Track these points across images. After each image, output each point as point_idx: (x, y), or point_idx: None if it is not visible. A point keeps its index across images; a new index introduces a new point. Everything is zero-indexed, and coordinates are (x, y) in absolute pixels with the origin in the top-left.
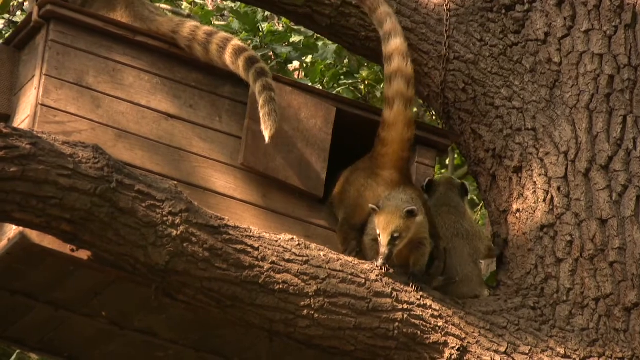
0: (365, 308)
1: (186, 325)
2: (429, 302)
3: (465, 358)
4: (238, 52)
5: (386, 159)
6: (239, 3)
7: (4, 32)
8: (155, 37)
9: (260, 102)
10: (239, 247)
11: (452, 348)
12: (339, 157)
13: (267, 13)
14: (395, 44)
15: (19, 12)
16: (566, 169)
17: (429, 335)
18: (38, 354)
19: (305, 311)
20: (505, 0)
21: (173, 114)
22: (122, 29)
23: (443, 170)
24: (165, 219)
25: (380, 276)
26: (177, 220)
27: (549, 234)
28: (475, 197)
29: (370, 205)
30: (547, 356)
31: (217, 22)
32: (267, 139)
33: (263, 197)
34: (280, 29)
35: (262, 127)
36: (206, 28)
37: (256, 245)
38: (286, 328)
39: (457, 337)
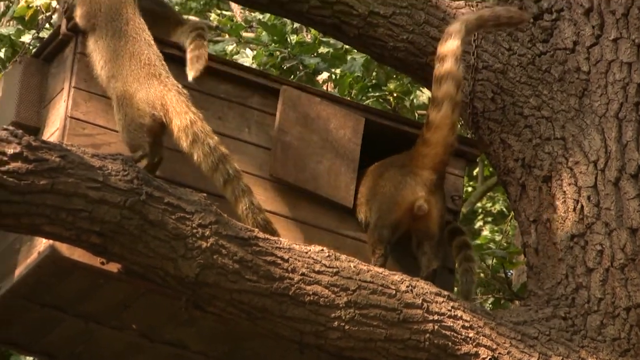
0: (396, 319)
1: (216, 338)
2: (459, 312)
3: None
4: None
5: (427, 159)
6: (267, 14)
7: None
8: (183, 48)
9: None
10: (269, 258)
11: (484, 359)
12: (368, 167)
13: (295, 24)
14: (451, 46)
15: (47, 25)
16: (596, 178)
17: (460, 347)
18: None
19: (335, 323)
20: (533, 9)
21: None
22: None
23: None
24: (194, 231)
25: (410, 287)
26: (207, 232)
27: (579, 244)
28: (504, 209)
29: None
30: None
31: (245, 34)
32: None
33: (292, 208)
34: (309, 40)
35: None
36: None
37: (286, 256)
38: (317, 340)
39: (488, 347)
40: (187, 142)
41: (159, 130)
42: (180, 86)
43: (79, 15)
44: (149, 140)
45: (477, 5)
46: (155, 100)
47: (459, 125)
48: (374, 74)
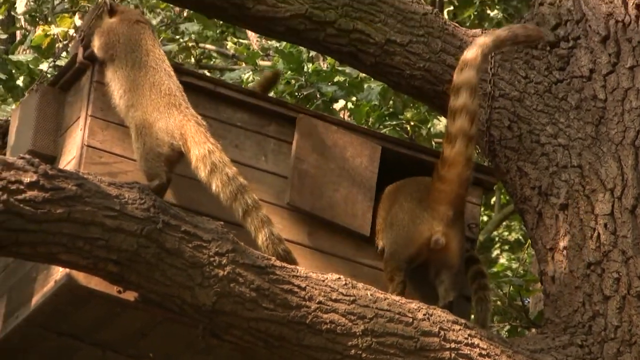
0: (413, 347)
1: None
2: (476, 340)
3: None
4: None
5: (443, 195)
6: (284, 42)
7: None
8: (200, 77)
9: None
10: (285, 287)
11: None
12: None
13: (312, 52)
14: (467, 76)
15: (63, 54)
16: (612, 205)
17: None
18: None
19: (352, 351)
20: (550, 37)
21: None
22: None
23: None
24: (211, 259)
25: (427, 315)
26: (224, 261)
27: (596, 272)
28: (521, 237)
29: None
30: None
31: (262, 62)
32: None
33: (309, 237)
34: (326, 68)
35: None
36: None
37: (303, 285)
38: None
39: None
40: (205, 172)
41: (177, 159)
42: (199, 117)
43: (97, 46)
44: (166, 169)
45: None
46: (175, 130)
47: (475, 155)
48: (391, 102)
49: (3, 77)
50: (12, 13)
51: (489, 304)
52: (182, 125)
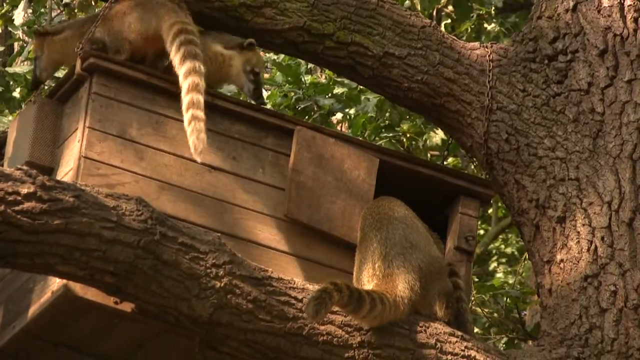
0: (409, 359)
1: None
2: (473, 352)
3: None
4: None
5: None
6: (281, 55)
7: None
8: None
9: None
10: (282, 298)
11: None
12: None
13: (310, 65)
14: None
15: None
16: (610, 218)
17: None
18: None
19: None
20: (548, 50)
21: (216, 165)
22: (166, 82)
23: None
24: (208, 270)
25: (424, 327)
26: (221, 272)
27: (593, 284)
28: (515, 251)
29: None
30: None
31: None
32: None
33: (307, 249)
34: (323, 80)
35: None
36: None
37: (300, 296)
38: None
39: None
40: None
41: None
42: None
43: None
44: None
45: (491, 46)
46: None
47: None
48: (387, 114)
49: (0, 89)
50: (9, 28)
51: (467, 314)
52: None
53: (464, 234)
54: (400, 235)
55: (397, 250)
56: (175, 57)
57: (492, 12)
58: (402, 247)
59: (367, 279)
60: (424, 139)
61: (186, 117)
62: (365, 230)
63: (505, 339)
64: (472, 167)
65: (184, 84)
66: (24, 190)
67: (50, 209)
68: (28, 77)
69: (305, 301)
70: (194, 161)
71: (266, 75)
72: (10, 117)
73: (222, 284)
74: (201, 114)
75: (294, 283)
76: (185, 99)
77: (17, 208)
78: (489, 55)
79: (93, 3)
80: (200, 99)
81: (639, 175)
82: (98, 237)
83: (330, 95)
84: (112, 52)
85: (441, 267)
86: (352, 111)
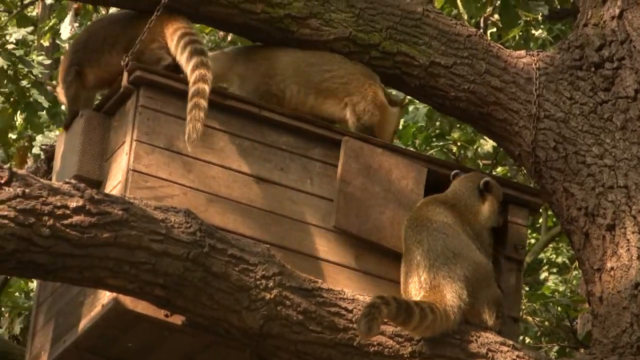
0: None
1: None
2: None
3: None
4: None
5: None
6: None
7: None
8: (245, 100)
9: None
10: (332, 309)
11: None
12: None
13: None
14: None
15: None
16: None
17: None
18: None
19: None
20: (595, 58)
21: (264, 177)
22: (212, 93)
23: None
24: (258, 282)
25: (475, 337)
26: (271, 284)
27: None
28: (567, 260)
29: None
30: None
31: None
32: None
33: (356, 259)
34: None
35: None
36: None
37: (350, 307)
38: None
39: None
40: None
41: None
42: None
43: None
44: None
45: (537, 54)
46: None
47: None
48: (437, 123)
49: (47, 104)
50: (57, 41)
51: None
52: None
53: (513, 242)
54: (442, 246)
55: (441, 261)
56: (182, 57)
57: (540, 18)
58: (445, 257)
59: (415, 292)
60: (474, 147)
61: (189, 105)
62: (407, 243)
63: (556, 348)
64: (521, 175)
65: (192, 77)
66: (73, 204)
67: (99, 223)
68: None
69: (355, 313)
70: (243, 173)
71: None
72: (57, 132)
73: (272, 296)
74: (204, 102)
75: (344, 294)
76: (192, 88)
77: (66, 222)
78: (536, 64)
79: None
80: (206, 88)
81: None
82: (147, 250)
83: None
84: (153, 63)
85: (487, 273)
86: (401, 121)
